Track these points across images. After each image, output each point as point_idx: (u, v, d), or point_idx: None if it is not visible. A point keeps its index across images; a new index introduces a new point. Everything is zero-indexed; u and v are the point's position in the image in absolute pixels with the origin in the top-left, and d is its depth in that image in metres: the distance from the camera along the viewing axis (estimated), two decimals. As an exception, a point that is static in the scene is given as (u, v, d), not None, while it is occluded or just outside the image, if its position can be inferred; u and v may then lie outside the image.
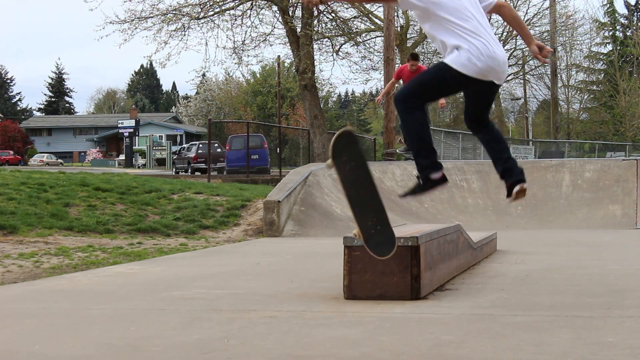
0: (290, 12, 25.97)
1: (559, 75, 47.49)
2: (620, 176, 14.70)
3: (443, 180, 4.99)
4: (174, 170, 46.39)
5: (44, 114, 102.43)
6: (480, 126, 5.19)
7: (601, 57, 62.54)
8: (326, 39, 27.93)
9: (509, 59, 45.34)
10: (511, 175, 5.05)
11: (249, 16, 26.38)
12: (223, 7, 26.06)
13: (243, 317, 4.68)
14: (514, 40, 43.22)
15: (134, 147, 68.63)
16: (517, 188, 5.04)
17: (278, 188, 12.90)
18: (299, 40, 25.56)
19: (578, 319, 4.47)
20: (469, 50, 4.77)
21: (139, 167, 62.86)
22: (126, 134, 67.70)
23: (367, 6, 29.16)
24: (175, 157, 49.19)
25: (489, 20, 5.42)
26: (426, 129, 4.99)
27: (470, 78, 4.81)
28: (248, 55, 29.44)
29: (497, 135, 5.23)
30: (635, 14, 66.83)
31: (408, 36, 34.09)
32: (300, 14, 25.89)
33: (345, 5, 28.43)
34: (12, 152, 69.20)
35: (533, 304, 5.04)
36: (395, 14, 27.06)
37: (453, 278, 6.35)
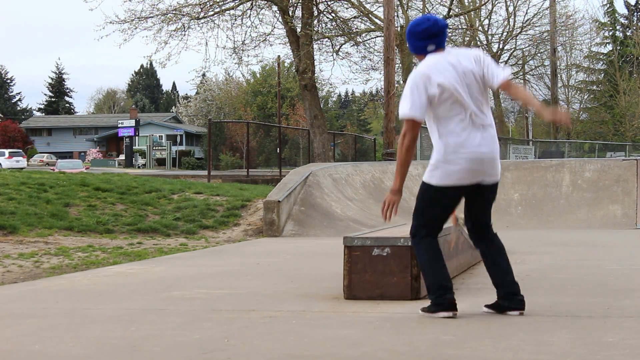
0: (290, 12, 25.96)
1: (558, 75, 47.49)
2: (620, 176, 14.69)
3: (450, 307, 4.55)
4: None
5: (44, 114, 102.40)
6: (482, 235, 4.84)
7: (601, 57, 62.52)
8: (326, 39, 27.91)
9: (509, 59, 45.47)
10: (512, 301, 4.67)
11: (249, 16, 26.37)
12: (223, 7, 26.04)
13: (243, 317, 4.68)
14: (514, 40, 43.24)
15: (134, 147, 68.64)
16: (514, 313, 4.66)
17: (278, 188, 12.90)
18: (299, 40, 25.54)
19: (578, 319, 4.47)
20: (440, 160, 4.52)
21: (139, 167, 62.86)
22: (127, 140, 67.75)
23: (367, 6, 29.20)
24: None
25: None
26: (432, 263, 4.60)
27: (455, 187, 4.56)
28: (248, 55, 29.41)
29: (501, 248, 4.80)
30: (635, 14, 66.80)
31: (408, 36, 34.04)
32: (300, 14, 25.88)
33: (345, 5, 28.44)
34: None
35: (533, 303, 5.03)
36: (395, 14, 27.07)
37: (453, 278, 6.34)
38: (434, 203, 4.64)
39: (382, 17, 22.10)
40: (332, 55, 28.26)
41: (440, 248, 4.68)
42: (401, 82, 33.94)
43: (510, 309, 4.64)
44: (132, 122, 69.57)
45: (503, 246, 4.83)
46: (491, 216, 4.90)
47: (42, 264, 8.15)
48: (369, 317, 4.62)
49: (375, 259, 5.15)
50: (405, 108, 4.54)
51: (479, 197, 4.74)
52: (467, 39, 38.30)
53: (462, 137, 4.51)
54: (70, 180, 14.72)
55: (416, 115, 4.51)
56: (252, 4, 26.15)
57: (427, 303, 4.58)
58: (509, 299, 4.65)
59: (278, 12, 26.08)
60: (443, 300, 4.52)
